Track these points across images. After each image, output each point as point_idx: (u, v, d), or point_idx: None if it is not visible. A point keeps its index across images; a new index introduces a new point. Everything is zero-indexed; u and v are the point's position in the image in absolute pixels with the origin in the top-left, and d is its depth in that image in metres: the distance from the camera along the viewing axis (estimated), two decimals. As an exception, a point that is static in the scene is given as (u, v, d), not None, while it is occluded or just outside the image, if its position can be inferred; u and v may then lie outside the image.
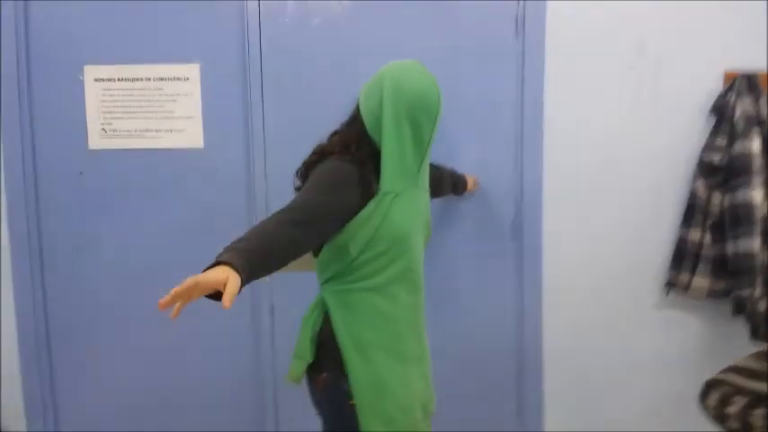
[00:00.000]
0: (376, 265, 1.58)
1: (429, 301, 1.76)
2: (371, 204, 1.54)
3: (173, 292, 1.17)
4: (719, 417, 1.51)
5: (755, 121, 2.20)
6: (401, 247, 1.59)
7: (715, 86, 2.29)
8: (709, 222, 2.27)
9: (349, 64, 2.29)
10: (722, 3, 2.26)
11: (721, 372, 1.58)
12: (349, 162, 1.55)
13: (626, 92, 2.32)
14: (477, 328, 2.42)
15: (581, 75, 2.31)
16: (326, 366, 1.60)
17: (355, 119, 1.63)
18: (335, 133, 1.67)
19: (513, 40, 2.29)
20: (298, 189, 1.64)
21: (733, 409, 1.49)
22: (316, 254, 1.65)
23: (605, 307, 2.40)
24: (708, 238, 2.28)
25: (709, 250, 2.28)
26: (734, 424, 1.47)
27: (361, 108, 1.61)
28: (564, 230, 2.37)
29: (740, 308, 2.19)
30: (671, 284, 2.34)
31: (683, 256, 2.31)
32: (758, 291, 2.13)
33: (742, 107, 2.21)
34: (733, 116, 2.22)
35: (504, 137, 2.33)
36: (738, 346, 2.34)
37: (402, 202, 1.57)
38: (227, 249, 1.29)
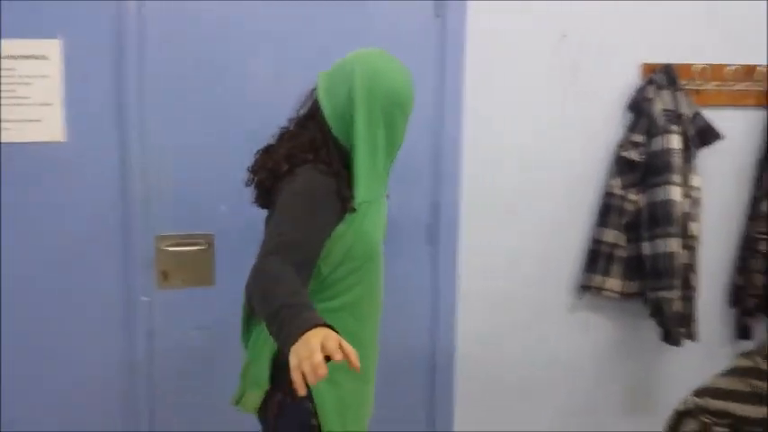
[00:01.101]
0: (347, 282, 1.44)
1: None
2: (346, 219, 1.38)
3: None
4: None
5: (675, 115, 2.13)
6: (371, 263, 1.47)
7: (633, 80, 2.21)
8: (624, 222, 2.20)
9: (245, 42, 2.00)
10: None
11: (694, 395, 1.46)
12: (324, 174, 1.37)
13: (545, 89, 2.19)
14: (389, 330, 2.22)
15: (501, 73, 2.16)
16: (282, 388, 1.41)
17: (313, 116, 1.45)
18: (289, 133, 1.47)
19: (433, 28, 2.09)
20: (261, 199, 1.51)
21: None
22: None
23: (520, 310, 2.30)
24: (622, 238, 2.21)
25: (623, 251, 2.21)
26: None
27: (324, 105, 1.42)
28: (480, 233, 2.22)
29: (658, 309, 2.14)
30: (585, 287, 2.26)
31: (597, 258, 2.23)
32: (676, 292, 2.08)
33: (661, 102, 2.14)
34: (652, 111, 2.15)
35: (422, 133, 2.11)
36: (651, 348, 2.35)
37: (372, 214, 1.43)
38: (301, 308, 1.12)
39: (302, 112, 1.50)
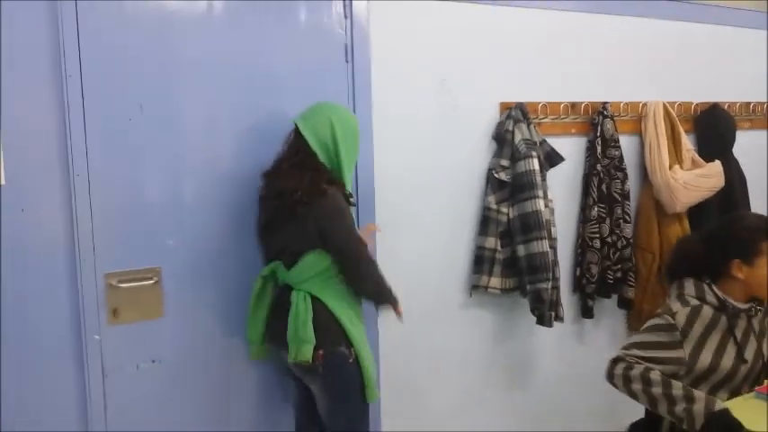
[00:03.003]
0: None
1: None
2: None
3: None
4: (626, 379, 1.85)
5: (532, 143, 2.67)
6: None
7: (495, 115, 2.72)
8: (499, 230, 2.69)
9: (179, 85, 2.15)
10: (499, 46, 2.70)
11: (623, 348, 1.94)
12: (336, 188, 2.06)
13: (433, 122, 2.60)
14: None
15: (399, 108, 2.52)
16: (321, 343, 2.01)
17: (301, 149, 2.06)
18: (291, 162, 2.06)
19: (345, 71, 2.40)
20: (273, 213, 2.11)
21: (635, 372, 1.85)
22: (293, 259, 2.06)
23: (420, 312, 2.63)
24: (499, 243, 2.69)
25: (501, 254, 2.69)
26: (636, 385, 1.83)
27: (311, 140, 2.06)
28: (389, 243, 2.53)
29: (538, 298, 2.64)
30: (474, 286, 2.70)
31: (482, 261, 2.69)
32: (550, 283, 2.61)
33: (520, 132, 2.67)
34: (513, 140, 2.67)
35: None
36: (526, 331, 2.85)
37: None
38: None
39: (288, 148, 2.11)
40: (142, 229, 2.10)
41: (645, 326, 2.00)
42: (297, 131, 2.08)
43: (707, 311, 1.95)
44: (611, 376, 1.90)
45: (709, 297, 1.97)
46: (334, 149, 2.06)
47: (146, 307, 2.11)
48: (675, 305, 1.97)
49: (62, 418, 2.03)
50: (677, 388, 1.80)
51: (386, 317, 2.51)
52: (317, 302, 2.04)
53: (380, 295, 2.14)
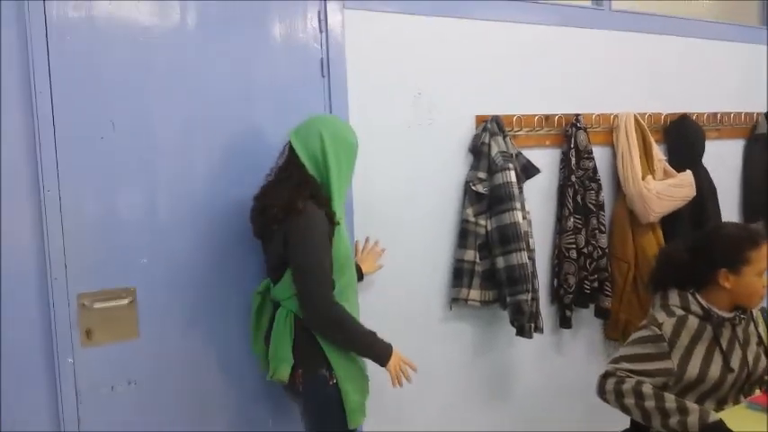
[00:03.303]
0: (338, 276, 2.00)
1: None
2: (334, 232, 1.99)
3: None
4: (618, 393, 1.85)
5: (508, 155, 2.68)
6: (347, 261, 2.05)
7: (471, 128, 2.73)
8: (478, 243, 2.68)
9: (148, 99, 2.11)
10: (474, 60, 2.72)
11: (611, 362, 1.94)
12: (318, 206, 1.96)
13: (410, 135, 2.60)
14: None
15: (375, 122, 2.51)
16: (300, 363, 1.98)
17: (291, 163, 2.01)
18: (279, 177, 2.02)
19: (321, 85, 2.38)
20: (260, 230, 2.07)
21: (626, 386, 1.85)
22: (276, 276, 2.03)
23: (401, 326, 2.59)
24: (478, 256, 2.69)
25: (479, 266, 2.69)
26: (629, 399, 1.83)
27: (301, 154, 2.00)
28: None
29: (518, 309, 2.63)
30: (455, 299, 2.69)
31: (461, 274, 2.68)
32: (529, 294, 2.61)
33: (497, 145, 2.68)
34: (490, 152, 2.67)
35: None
36: (505, 342, 2.85)
37: (341, 228, 2.02)
38: (375, 336, 2.05)
39: (281, 161, 2.05)
40: (116, 247, 2.05)
41: (631, 338, 2.00)
42: (290, 144, 2.04)
43: (692, 321, 1.97)
44: (602, 392, 1.90)
45: (694, 307, 1.99)
46: (324, 162, 1.99)
47: (120, 328, 2.05)
48: (661, 315, 1.98)
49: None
50: (670, 401, 1.80)
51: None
52: (299, 321, 2.00)
53: (332, 336, 1.99)
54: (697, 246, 2.07)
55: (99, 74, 2.01)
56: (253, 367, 2.26)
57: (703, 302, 1.99)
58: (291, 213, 1.92)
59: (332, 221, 1.98)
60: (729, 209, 3.49)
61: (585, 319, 3.06)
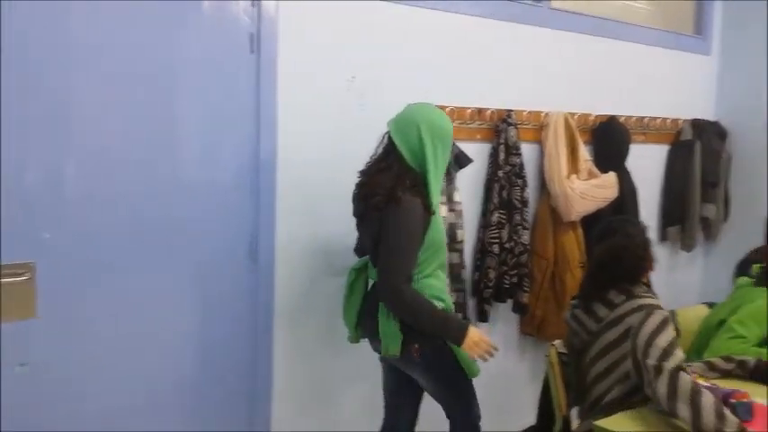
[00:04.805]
0: (428, 260, 2.11)
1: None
2: (429, 220, 2.08)
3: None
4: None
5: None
6: (441, 245, 2.17)
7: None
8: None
9: (71, 68, 1.96)
10: (410, 47, 2.67)
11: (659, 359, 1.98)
12: (415, 195, 2.05)
13: (340, 117, 2.53)
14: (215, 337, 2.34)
15: (307, 102, 2.43)
16: (415, 337, 2.09)
17: (390, 152, 2.12)
18: (380, 166, 2.13)
19: (251, 62, 2.28)
20: (362, 211, 2.19)
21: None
22: (375, 257, 2.12)
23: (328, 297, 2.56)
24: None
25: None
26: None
27: (399, 144, 2.10)
28: (294, 244, 2.46)
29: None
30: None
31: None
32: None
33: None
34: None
35: (243, 151, 2.31)
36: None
37: (438, 215, 2.13)
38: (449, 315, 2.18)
39: (380, 150, 2.18)
40: (14, 218, 1.90)
41: (656, 325, 2.04)
42: (389, 135, 2.14)
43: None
44: (674, 395, 1.89)
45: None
46: (421, 153, 2.07)
47: (15, 306, 1.92)
48: (647, 300, 2.14)
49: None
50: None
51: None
52: None
53: (402, 315, 2.08)
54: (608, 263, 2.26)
55: (11, 44, 1.85)
56: (164, 352, 2.18)
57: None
58: (391, 202, 2.03)
59: (428, 210, 2.07)
60: (649, 212, 3.59)
61: (502, 313, 3.09)
